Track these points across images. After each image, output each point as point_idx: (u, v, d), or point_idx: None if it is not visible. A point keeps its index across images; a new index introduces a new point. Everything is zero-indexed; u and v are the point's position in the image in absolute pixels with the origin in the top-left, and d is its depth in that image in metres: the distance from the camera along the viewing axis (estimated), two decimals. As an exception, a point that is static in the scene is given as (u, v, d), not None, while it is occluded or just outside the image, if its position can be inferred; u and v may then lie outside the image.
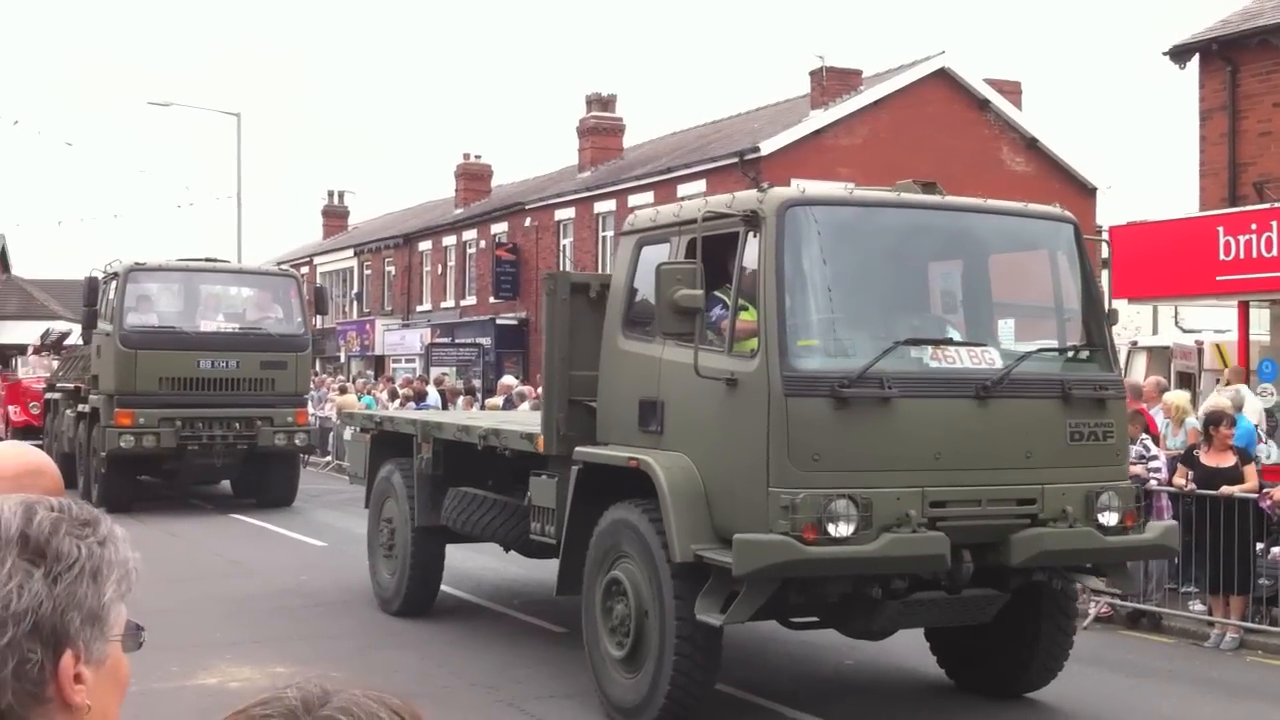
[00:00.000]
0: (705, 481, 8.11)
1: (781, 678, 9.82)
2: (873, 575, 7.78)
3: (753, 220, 7.98)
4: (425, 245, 44.18)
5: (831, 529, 7.52)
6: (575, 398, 9.39)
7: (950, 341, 8.16)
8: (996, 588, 8.26)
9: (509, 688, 9.33)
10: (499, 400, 23.93)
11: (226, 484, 21.47)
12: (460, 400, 25.37)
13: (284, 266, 21.49)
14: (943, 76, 31.04)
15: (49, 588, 1.41)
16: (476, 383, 29.70)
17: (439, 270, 43.10)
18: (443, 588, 12.68)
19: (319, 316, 21.73)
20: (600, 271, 34.14)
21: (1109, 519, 8.19)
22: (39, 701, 1.40)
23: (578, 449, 9.05)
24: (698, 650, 8.04)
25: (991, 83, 31.94)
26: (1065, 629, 9.06)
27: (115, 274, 19.04)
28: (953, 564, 7.77)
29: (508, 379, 27.84)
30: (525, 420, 11.46)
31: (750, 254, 8.05)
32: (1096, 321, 8.62)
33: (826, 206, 8.20)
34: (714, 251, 8.17)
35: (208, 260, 20.30)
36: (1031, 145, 31.59)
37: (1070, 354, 8.57)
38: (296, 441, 19.33)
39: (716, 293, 8.30)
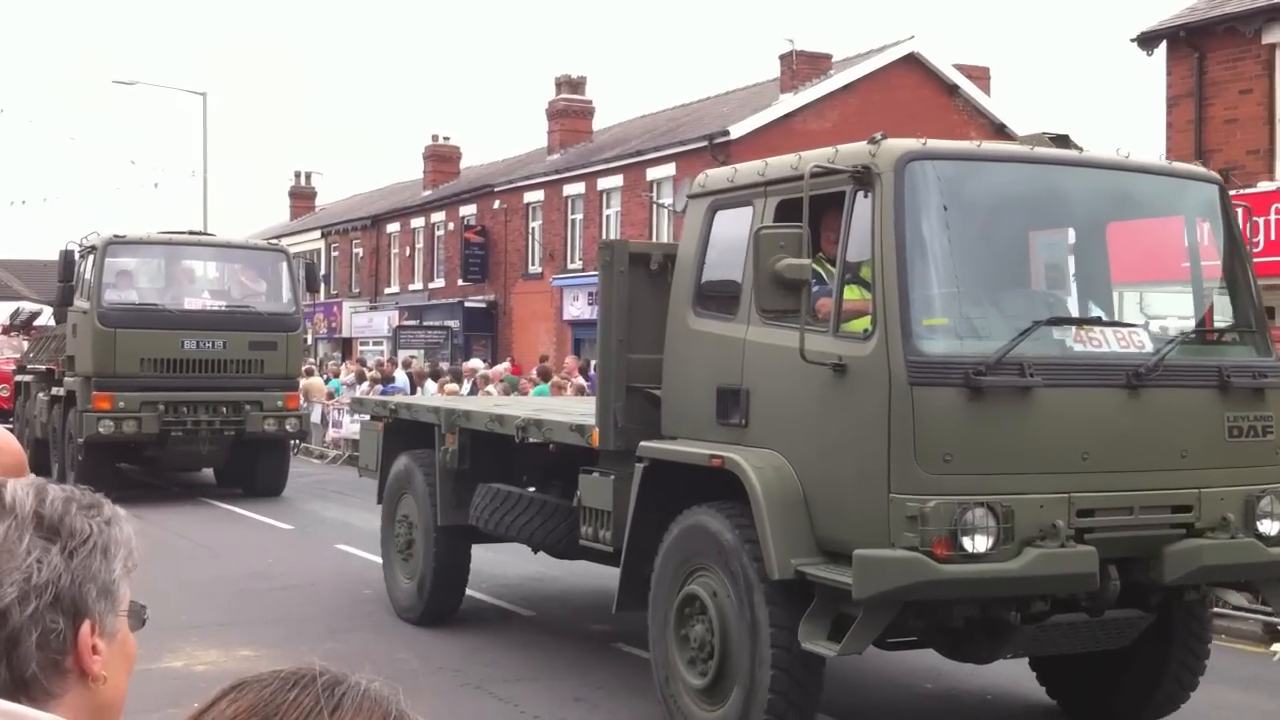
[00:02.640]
0: (804, 484, 6.75)
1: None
2: (1009, 597, 6.46)
3: (864, 177, 6.59)
4: (393, 227, 43.16)
5: (966, 543, 6.17)
6: (634, 384, 8.01)
7: (1098, 321, 6.82)
8: (1140, 607, 6.95)
9: (476, 671, 8.94)
10: (462, 386, 22.72)
11: (209, 472, 19.87)
12: (431, 384, 23.99)
13: (273, 241, 19.80)
14: (912, 61, 30.67)
15: (66, 561, 1.44)
16: (444, 365, 28.45)
17: (407, 252, 42.16)
18: None
19: (310, 294, 20.09)
20: (565, 249, 33.36)
21: (1270, 527, 6.88)
22: (59, 671, 1.43)
23: (643, 444, 7.65)
24: (796, 683, 6.68)
25: (961, 68, 31.56)
26: (1199, 650, 7.73)
27: (93, 247, 17.29)
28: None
29: (474, 362, 26.60)
30: (566, 409, 10.02)
31: (860, 217, 6.67)
32: (1249, 298, 7.30)
33: (952, 161, 6.82)
34: (799, 214, 6.80)
35: (191, 234, 18.67)
36: (1000, 131, 30.87)
37: (1225, 337, 7.25)
38: (287, 427, 17.64)
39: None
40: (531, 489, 9.45)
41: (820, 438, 6.71)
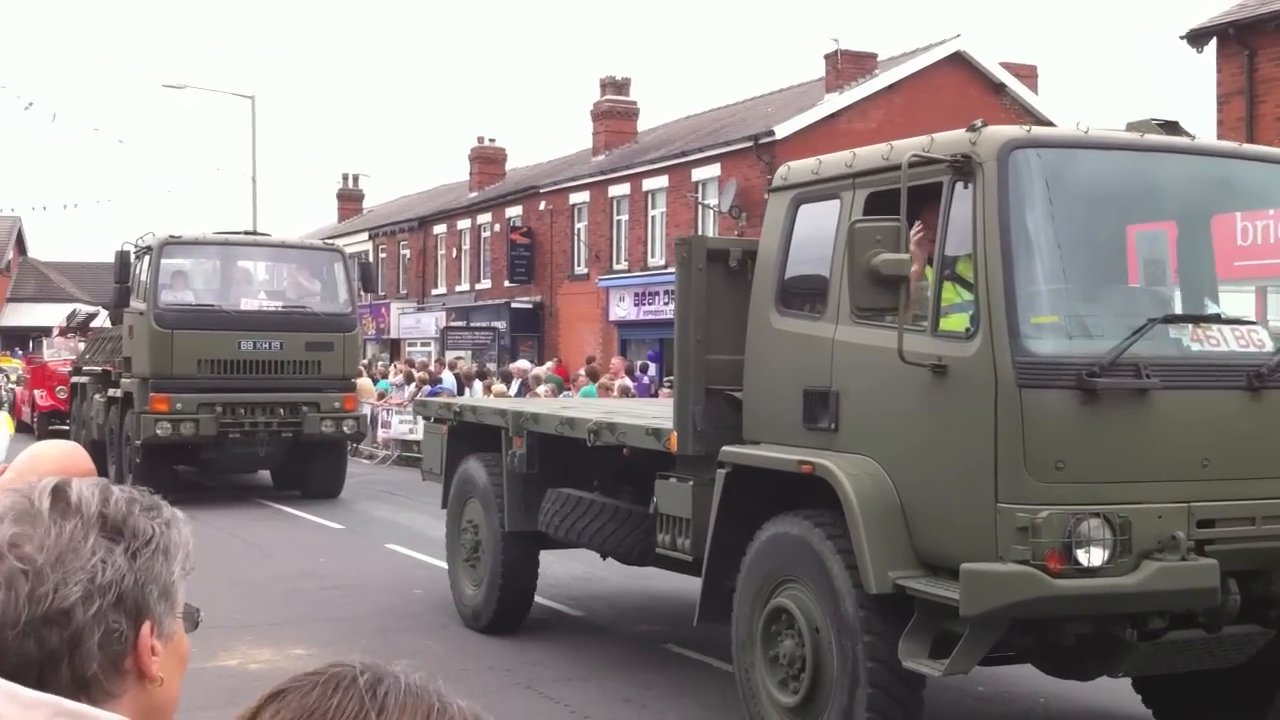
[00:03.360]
0: (900, 492, 6.30)
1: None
2: (1125, 613, 5.98)
3: (964, 166, 6.13)
4: (440, 228, 42.98)
5: (1081, 556, 5.70)
6: (713, 386, 7.58)
7: (1215, 319, 6.32)
8: (1259, 622, 6.44)
9: (526, 670, 8.84)
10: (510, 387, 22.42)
11: (265, 474, 19.55)
12: (479, 384, 23.65)
13: (328, 241, 19.42)
14: (958, 60, 30.19)
15: (129, 562, 1.43)
16: (491, 366, 28.18)
17: (454, 254, 41.96)
18: None
19: (365, 294, 19.73)
20: (611, 250, 32.89)
21: (1393, 538, 6.35)
22: (119, 672, 1.42)
23: (725, 449, 7.21)
24: (897, 703, 6.23)
25: (1007, 66, 31.01)
26: (1315, 666, 7.21)
27: (149, 248, 16.96)
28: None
29: (521, 363, 26.29)
30: (638, 411, 9.59)
31: (959, 209, 6.21)
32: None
33: (1058, 149, 6.34)
34: (896, 207, 6.35)
35: (247, 234, 18.33)
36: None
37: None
38: (344, 429, 17.27)
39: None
40: (597, 492, 9.02)
41: (918, 443, 6.26)
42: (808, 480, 6.60)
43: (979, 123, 6.28)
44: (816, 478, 6.49)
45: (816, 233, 7.07)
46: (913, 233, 6.23)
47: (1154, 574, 5.73)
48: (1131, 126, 6.64)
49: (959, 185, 6.17)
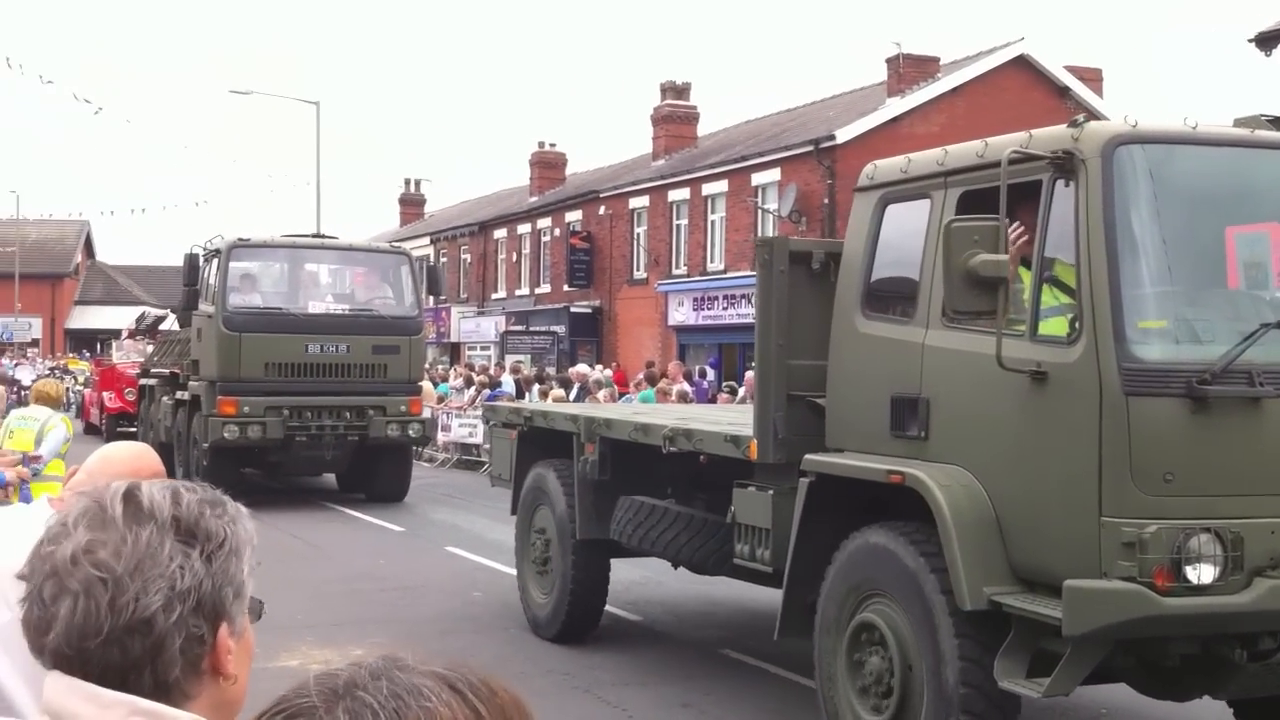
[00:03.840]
0: (995, 504, 5.97)
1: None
2: (1235, 633, 5.63)
3: (1066, 164, 5.80)
4: (500, 233, 42.87)
5: (1190, 573, 5.36)
6: (794, 392, 7.28)
7: None
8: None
9: (584, 674, 8.75)
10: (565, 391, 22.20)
11: (330, 477, 19.43)
12: (536, 389, 23.44)
13: (395, 244, 19.24)
14: (1022, 63, 29.65)
15: (206, 566, 1.43)
16: (550, 370, 27.96)
17: (514, 258, 41.84)
18: (512, 571, 11.95)
19: (431, 297, 19.56)
20: (671, 254, 32.61)
21: None
22: (198, 674, 1.43)
23: (808, 457, 6.91)
24: (990, 724, 5.91)
25: (1072, 69, 30.39)
26: None
27: (217, 251, 16.89)
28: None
29: (581, 367, 26.09)
30: (713, 417, 9.29)
31: (1060, 208, 5.88)
32: None
33: (1166, 145, 5.98)
34: (990, 207, 6.03)
35: (314, 237, 18.21)
36: None
37: None
38: (410, 432, 17.11)
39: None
40: (670, 500, 8.74)
41: (1015, 453, 5.93)
42: (895, 490, 6.30)
43: (1080, 118, 5.96)
44: (905, 488, 6.18)
45: (905, 233, 6.77)
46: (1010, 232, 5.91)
47: (1267, 592, 5.39)
48: (1239, 122, 6.28)
49: (1060, 183, 5.85)
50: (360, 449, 17.22)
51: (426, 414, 21.73)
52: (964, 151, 6.52)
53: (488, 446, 24.26)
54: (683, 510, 8.42)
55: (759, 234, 30.68)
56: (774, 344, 7.27)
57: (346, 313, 17.24)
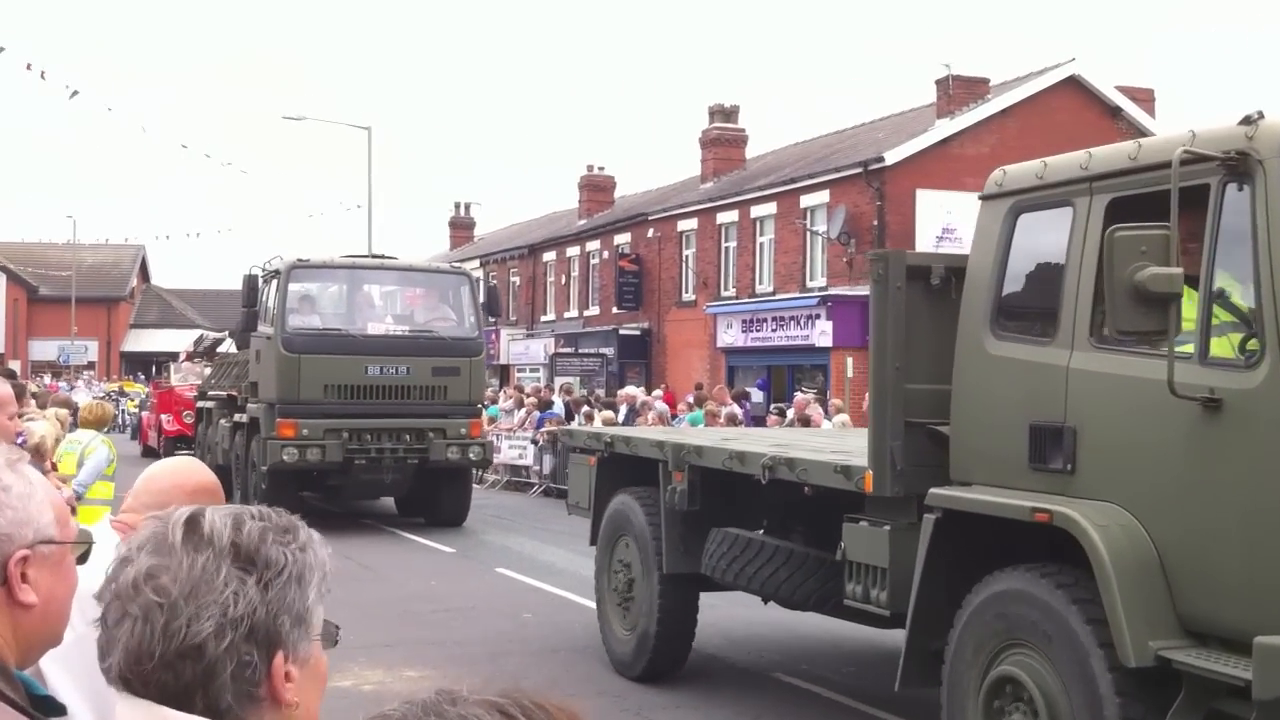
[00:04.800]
0: (1158, 546, 5.20)
1: None
2: None
3: (1239, 165, 5.04)
4: (549, 256, 42.24)
5: (1395, 629, 4.57)
6: (912, 419, 6.52)
7: None
8: None
9: (635, 697, 8.51)
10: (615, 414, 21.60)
11: (389, 501, 18.77)
12: (582, 411, 22.81)
13: (455, 265, 18.52)
14: (1072, 84, 28.79)
15: (261, 594, 1.40)
16: (600, 392, 27.31)
17: (563, 281, 41.20)
18: (563, 593, 12.04)
19: (491, 319, 18.88)
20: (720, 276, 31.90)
21: None
22: (253, 701, 1.40)
23: (934, 491, 6.14)
24: (1159, 794, 5.12)
25: (1123, 90, 29.56)
26: None
27: (276, 272, 16.30)
28: None
29: (629, 389, 25.46)
30: (810, 444, 8.52)
31: (1232, 215, 5.12)
32: None
33: (1356, 143, 5.21)
34: (1140, 215, 5.29)
35: (374, 258, 17.55)
36: None
37: None
38: (471, 455, 16.41)
39: None
40: (760, 532, 7.98)
41: (1183, 489, 5.15)
42: (1035, 530, 5.53)
43: (1255, 114, 5.18)
44: (1052, 528, 5.41)
45: (1041, 245, 6.02)
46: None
47: None
48: None
49: (1232, 187, 5.09)
50: (420, 472, 16.53)
51: (492, 437, 21.08)
52: (1113, 154, 5.77)
53: (537, 468, 24.22)
54: (781, 544, 7.66)
55: (807, 257, 29.99)
56: (890, 367, 6.52)
57: (406, 334, 16.59)
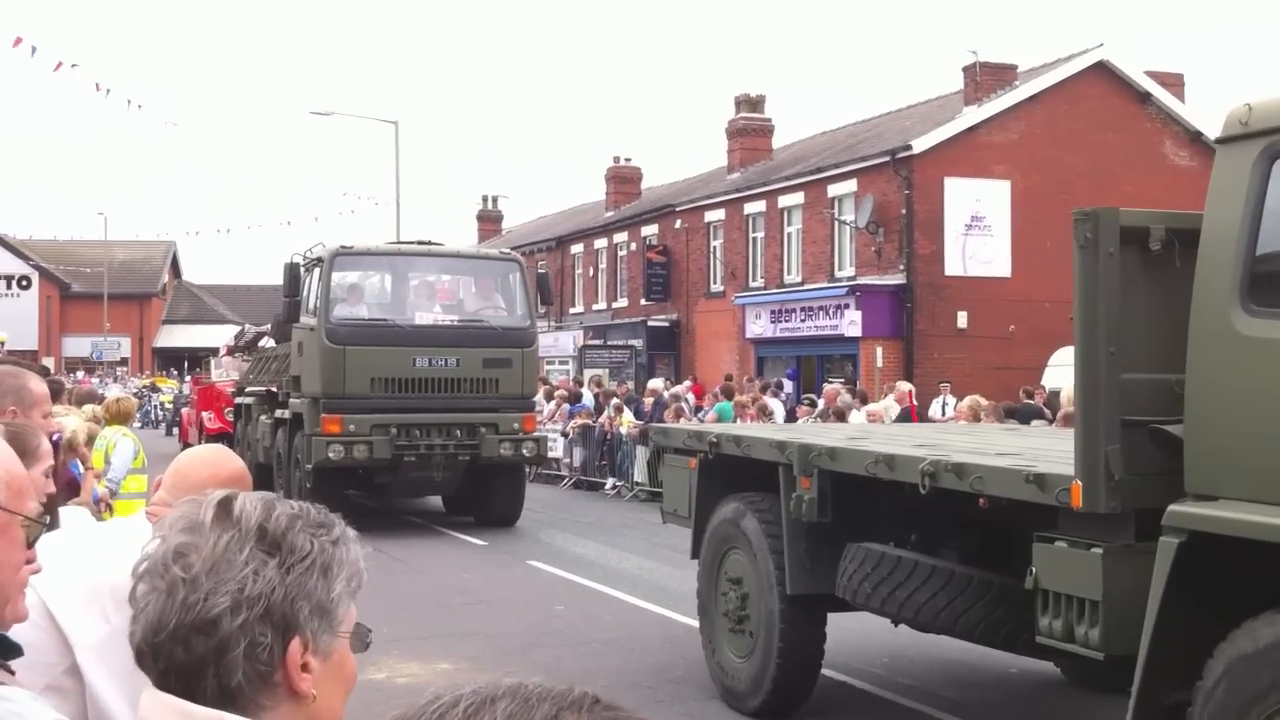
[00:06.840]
0: None
1: None
2: None
3: None
4: (577, 248, 40.83)
5: None
6: (1129, 417, 5.03)
7: None
8: None
9: (668, 688, 8.20)
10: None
11: (437, 500, 17.26)
12: (611, 404, 21.52)
13: (505, 250, 16.93)
14: (1101, 70, 27.29)
15: (281, 576, 1.35)
16: (629, 385, 26.06)
17: (590, 273, 39.83)
18: (595, 585, 11.66)
19: (543, 307, 17.36)
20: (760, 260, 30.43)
21: None
22: (267, 684, 1.35)
23: (1174, 509, 4.66)
24: None
25: (1152, 75, 28.05)
26: None
27: (319, 259, 14.74)
28: None
29: (656, 381, 24.24)
30: (968, 446, 6.98)
31: None
32: None
33: None
34: None
35: (420, 244, 15.94)
36: (1196, 139, 27.12)
37: None
38: (524, 451, 14.86)
39: None
40: (919, 551, 6.47)
41: None
42: None
43: None
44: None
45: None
46: None
47: None
48: None
49: None
50: (471, 469, 15.01)
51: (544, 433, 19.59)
52: None
53: (568, 460, 22.88)
54: (939, 564, 6.16)
55: (835, 247, 28.53)
56: (1103, 352, 5.03)
57: (455, 324, 15.03)
